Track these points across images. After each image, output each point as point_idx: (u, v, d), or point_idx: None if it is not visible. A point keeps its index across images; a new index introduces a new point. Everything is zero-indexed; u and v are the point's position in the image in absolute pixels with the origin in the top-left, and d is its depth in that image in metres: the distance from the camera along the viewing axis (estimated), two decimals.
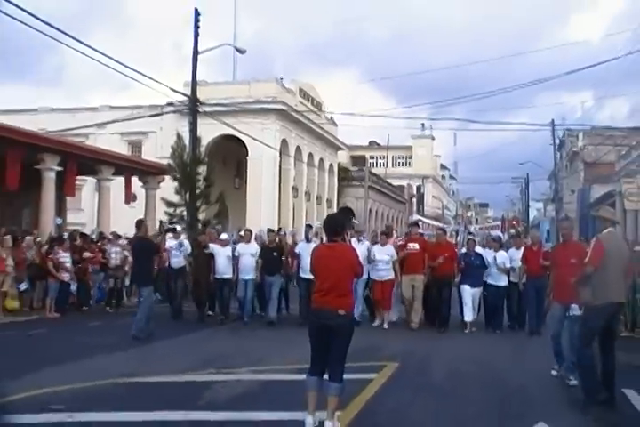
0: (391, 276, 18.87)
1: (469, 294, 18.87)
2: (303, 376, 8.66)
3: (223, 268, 19.94)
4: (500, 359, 14.07)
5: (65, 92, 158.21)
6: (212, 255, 20.19)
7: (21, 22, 18.51)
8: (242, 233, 21.82)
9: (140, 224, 17.63)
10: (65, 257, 22.03)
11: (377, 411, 9.38)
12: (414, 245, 19.05)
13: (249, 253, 19.87)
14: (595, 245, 9.95)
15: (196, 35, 32.00)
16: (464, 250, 20.39)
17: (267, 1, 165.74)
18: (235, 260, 20.08)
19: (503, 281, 19.13)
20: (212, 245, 20.45)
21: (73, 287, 22.46)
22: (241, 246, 20.27)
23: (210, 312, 21.00)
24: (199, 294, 20.72)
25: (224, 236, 21.33)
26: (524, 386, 10.88)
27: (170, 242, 22.06)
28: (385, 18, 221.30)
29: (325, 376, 8.35)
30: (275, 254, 20.06)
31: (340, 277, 8.48)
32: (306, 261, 18.60)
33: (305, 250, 19.25)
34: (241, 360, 13.43)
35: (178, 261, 21.38)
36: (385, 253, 18.77)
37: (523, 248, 19.40)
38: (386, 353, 14.56)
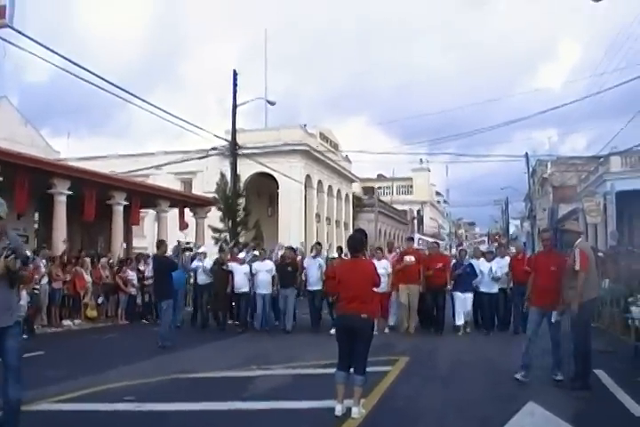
0: (387, 288, 17.53)
1: (461, 299, 18.02)
2: (331, 370, 8.59)
3: (241, 283, 19.22)
4: (492, 352, 13.92)
5: (131, 140, 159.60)
6: (230, 272, 19.46)
7: (97, 86, 18.74)
8: (256, 253, 20.80)
9: (160, 244, 17.06)
10: (132, 275, 22.34)
11: (394, 397, 9.23)
12: (410, 258, 18.07)
13: (264, 269, 19.01)
14: (581, 254, 10.00)
15: (235, 91, 32.31)
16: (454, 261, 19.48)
17: (293, 60, 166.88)
18: (252, 276, 19.26)
19: (495, 289, 18.29)
20: (230, 263, 19.77)
21: (139, 300, 22.54)
22: (257, 264, 19.35)
23: (230, 321, 20.08)
24: (218, 307, 19.92)
25: (242, 255, 20.78)
26: (514, 372, 10.68)
27: (196, 262, 20.88)
28: (389, 70, 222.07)
29: (351, 370, 8.25)
30: (289, 269, 19.18)
31: (362, 286, 8.48)
32: (311, 275, 19.07)
33: (311, 265, 19.22)
34: (276, 358, 13.29)
35: (203, 278, 20.41)
36: (381, 267, 16.83)
37: (507, 257, 18.92)
38: (397, 349, 14.38)
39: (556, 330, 10.58)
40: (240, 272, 19.27)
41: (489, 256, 19.19)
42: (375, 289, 9.10)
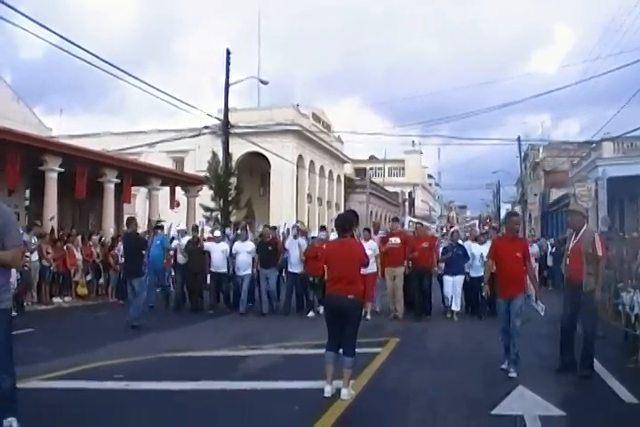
0: (374, 269, 16.63)
1: (450, 283, 17.37)
2: (322, 351, 8.54)
3: (218, 262, 18.47)
4: (481, 336, 13.94)
5: (125, 118, 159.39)
6: (206, 251, 18.77)
7: (90, 64, 18.63)
8: (238, 231, 20.41)
9: (130, 222, 16.62)
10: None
11: (384, 379, 9.27)
12: (395, 240, 17.38)
13: (245, 250, 18.21)
14: (601, 240, 9.91)
15: (227, 70, 32.13)
16: (447, 242, 18.85)
17: (286, 39, 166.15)
18: (232, 257, 18.49)
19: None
20: (206, 243, 19.29)
21: None
22: (238, 245, 18.52)
23: (225, 305, 19.28)
24: (192, 287, 19.20)
25: (217, 233, 19.88)
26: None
27: (175, 241, 20.53)
28: (382, 52, 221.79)
29: (340, 351, 8.24)
30: (270, 249, 18.39)
31: (349, 267, 8.41)
32: (293, 256, 18.28)
33: (292, 246, 18.49)
34: (266, 338, 13.32)
35: (181, 257, 19.73)
36: (368, 248, 15.44)
37: None
38: (387, 331, 14.44)
39: (517, 316, 9.97)
40: (217, 251, 18.59)
41: (481, 239, 18.53)
42: (362, 270, 9.00)
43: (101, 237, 23.89)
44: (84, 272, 21.84)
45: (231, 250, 18.65)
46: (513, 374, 9.55)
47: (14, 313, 16.18)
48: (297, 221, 21.60)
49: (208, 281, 19.39)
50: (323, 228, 20.48)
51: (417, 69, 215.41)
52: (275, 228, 21.76)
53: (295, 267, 18.20)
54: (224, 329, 15.39)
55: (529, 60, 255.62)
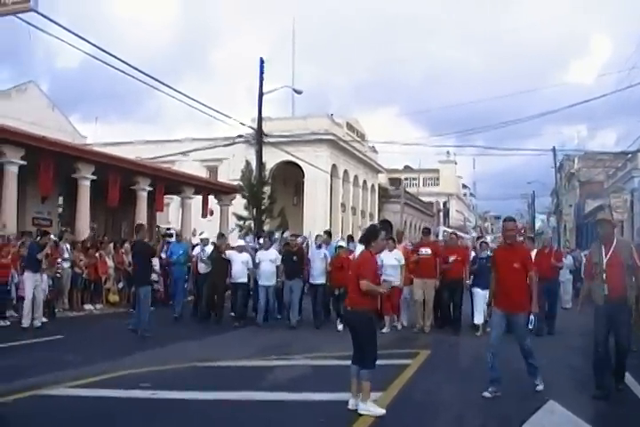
0: (399, 281, 16.02)
1: (481, 296, 15.80)
2: (348, 362, 8.41)
3: (238, 273, 17.68)
4: (513, 350, 13.73)
5: (161, 127, 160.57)
6: (229, 260, 17.96)
7: (125, 73, 18.74)
8: (261, 240, 19.68)
9: (139, 229, 16.61)
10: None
11: (413, 391, 9.15)
12: (426, 250, 16.59)
13: (268, 259, 17.54)
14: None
15: (261, 79, 32.23)
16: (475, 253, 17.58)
17: (322, 48, 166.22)
18: (255, 266, 17.82)
19: None
20: (228, 251, 18.42)
21: (157, 286, 21.56)
22: (261, 253, 17.92)
23: (233, 314, 18.37)
24: (214, 297, 18.17)
25: (240, 242, 19.44)
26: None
27: (198, 249, 19.81)
28: (418, 61, 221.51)
29: None
30: (295, 259, 17.52)
31: (351, 279, 8.34)
32: (315, 268, 17.62)
33: (315, 256, 17.85)
34: (296, 349, 13.23)
35: (203, 267, 18.92)
36: (393, 258, 16.12)
37: (535, 251, 16.85)
38: (418, 343, 14.27)
39: (524, 337, 9.47)
40: (238, 261, 17.81)
41: None
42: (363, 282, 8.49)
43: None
44: (115, 280, 21.95)
45: (254, 259, 18.05)
46: (540, 387, 9.21)
47: (45, 319, 16.51)
48: (324, 232, 20.89)
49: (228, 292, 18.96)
50: (350, 237, 20.30)
51: (454, 78, 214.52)
52: (301, 236, 21.42)
53: (318, 278, 17.57)
54: (251, 340, 15.26)
55: (567, 70, 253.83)
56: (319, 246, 18.17)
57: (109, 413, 7.97)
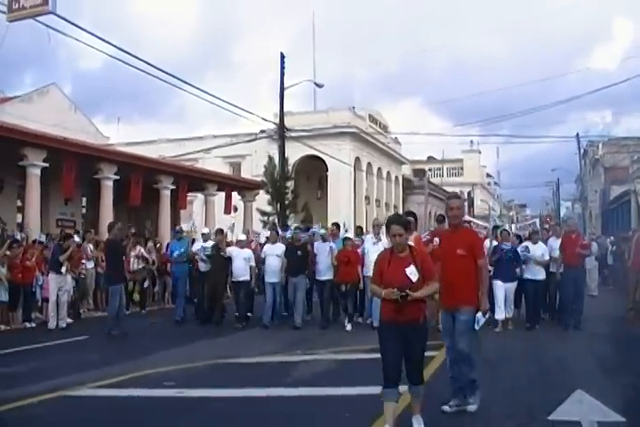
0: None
1: (502, 289, 15.11)
2: (374, 355, 8.28)
3: (240, 270, 16.52)
4: (541, 340, 13.64)
5: (184, 125, 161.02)
6: (229, 258, 16.82)
7: (148, 74, 18.74)
8: (268, 234, 18.68)
9: (110, 227, 16.20)
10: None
11: (438, 383, 8.98)
12: (437, 240, 15.88)
13: (275, 254, 16.45)
14: None
15: (282, 74, 32.20)
16: (495, 243, 15.89)
17: (344, 42, 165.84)
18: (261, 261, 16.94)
19: (540, 275, 15.61)
20: (229, 248, 17.49)
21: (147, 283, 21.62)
22: (267, 247, 16.96)
23: (249, 314, 17.48)
24: (215, 298, 17.07)
25: (242, 237, 18.16)
26: (561, 360, 10.45)
27: (197, 246, 18.65)
28: (442, 50, 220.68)
29: None
30: (299, 254, 16.39)
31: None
32: (321, 262, 16.48)
33: (321, 250, 16.64)
34: (321, 344, 13.19)
35: (203, 265, 17.90)
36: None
37: (556, 239, 16.28)
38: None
39: (463, 339, 7.75)
40: (240, 258, 16.65)
41: (534, 238, 16.53)
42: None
43: (157, 244, 23.93)
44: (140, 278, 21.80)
45: (260, 253, 17.34)
46: (473, 407, 7.66)
47: (70, 320, 16.58)
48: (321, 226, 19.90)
49: (229, 292, 18.61)
50: (360, 229, 19.77)
51: (477, 68, 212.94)
52: (307, 229, 19.95)
53: (324, 274, 16.43)
54: (273, 336, 15.17)
55: (590, 55, 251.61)
56: (324, 239, 16.94)
57: (135, 412, 8.02)
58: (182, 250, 18.71)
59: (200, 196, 39.70)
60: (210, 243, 18.17)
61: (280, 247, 16.80)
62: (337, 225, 19.06)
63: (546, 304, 16.47)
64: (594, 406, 7.60)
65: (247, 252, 17.02)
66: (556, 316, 16.20)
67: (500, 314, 15.08)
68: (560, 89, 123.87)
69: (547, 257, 15.78)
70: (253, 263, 16.91)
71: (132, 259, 20.47)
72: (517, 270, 15.66)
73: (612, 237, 30.48)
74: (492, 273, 14.58)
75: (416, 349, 6.90)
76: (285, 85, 32.72)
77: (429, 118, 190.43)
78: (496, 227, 20.68)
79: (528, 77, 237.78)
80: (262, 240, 21.15)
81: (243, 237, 18.28)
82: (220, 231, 18.43)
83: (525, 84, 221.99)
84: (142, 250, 21.19)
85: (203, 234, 19.59)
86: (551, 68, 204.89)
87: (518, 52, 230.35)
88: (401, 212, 57.05)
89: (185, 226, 27.56)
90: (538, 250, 15.83)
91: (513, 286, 15.52)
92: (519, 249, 15.80)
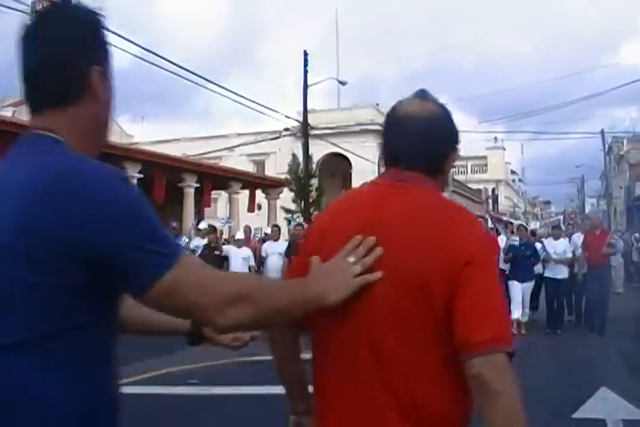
0: None
1: (518, 289, 14.28)
2: None
3: (237, 270, 14.41)
4: (564, 338, 13.53)
5: (210, 123, 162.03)
6: (224, 258, 15.81)
7: (174, 74, 18.82)
8: (268, 231, 18.14)
9: None
10: None
11: None
12: None
13: (277, 252, 15.67)
14: None
15: (305, 72, 32.27)
16: (512, 240, 14.90)
17: (370, 39, 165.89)
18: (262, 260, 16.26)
19: (562, 273, 14.75)
20: (225, 247, 16.75)
21: None
22: (268, 245, 16.37)
23: None
24: None
25: (240, 235, 17.04)
26: (586, 357, 10.37)
27: (195, 243, 17.58)
28: (468, 47, 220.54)
29: None
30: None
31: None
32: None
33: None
34: None
35: None
36: None
37: (579, 235, 15.85)
38: None
39: None
40: (237, 257, 15.73)
41: (556, 233, 15.73)
42: None
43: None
44: None
45: (260, 252, 16.78)
46: None
47: None
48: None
49: None
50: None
51: (503, 64, 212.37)
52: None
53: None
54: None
55: (616, 51, 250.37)
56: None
57: (157, 410, 8.06)
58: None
59: (224, 194, 39.82)
60: (198, 239, 17.71)
61: (282, 245, 16.20)
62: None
63: (571, 305, 15.65)
64: (619, 403, 7.56)
65: (246, 251, 16.29)
66: (582, 318, 15.16)
67: (518, 314, 14.10)
68: (587, 85, 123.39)
69: (569, 254, 14.97)
70: (253, 263, 16.28)
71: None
72: (535, 268, 14.96)
73: (636, 234, 30.27)
74: (507, 272, 14.21)
75: None
76: (309, 83, 32.80)
77: (454, 115, 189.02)
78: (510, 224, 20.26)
79: (554, 74, 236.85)
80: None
81: (240, 235, 17.21)
82: (213, 228, 17.65)
83: (551, 81, 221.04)
84: None
85: (198, 230, 18.92)
86: (578, 65, 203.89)
87: (544, 49, 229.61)
88: None
89: (219, 224, 27.35)
90: (560, 246, 15.06)
91: (529, 285, 14.78)
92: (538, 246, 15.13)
